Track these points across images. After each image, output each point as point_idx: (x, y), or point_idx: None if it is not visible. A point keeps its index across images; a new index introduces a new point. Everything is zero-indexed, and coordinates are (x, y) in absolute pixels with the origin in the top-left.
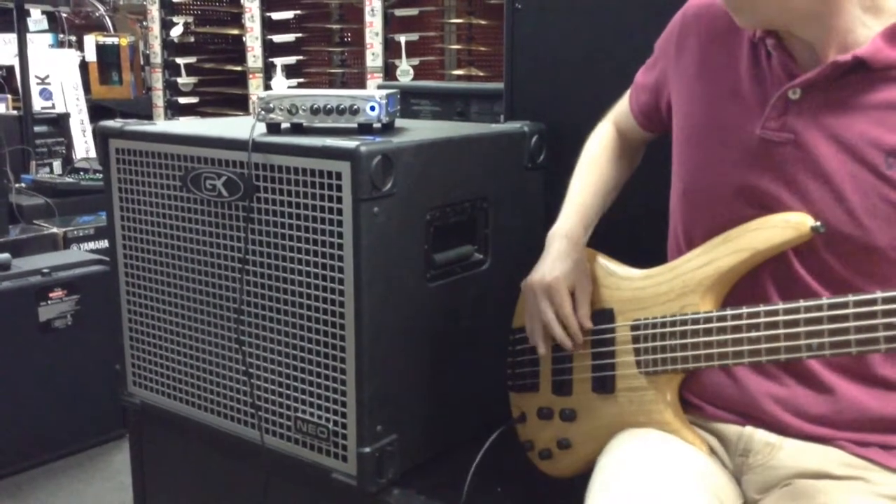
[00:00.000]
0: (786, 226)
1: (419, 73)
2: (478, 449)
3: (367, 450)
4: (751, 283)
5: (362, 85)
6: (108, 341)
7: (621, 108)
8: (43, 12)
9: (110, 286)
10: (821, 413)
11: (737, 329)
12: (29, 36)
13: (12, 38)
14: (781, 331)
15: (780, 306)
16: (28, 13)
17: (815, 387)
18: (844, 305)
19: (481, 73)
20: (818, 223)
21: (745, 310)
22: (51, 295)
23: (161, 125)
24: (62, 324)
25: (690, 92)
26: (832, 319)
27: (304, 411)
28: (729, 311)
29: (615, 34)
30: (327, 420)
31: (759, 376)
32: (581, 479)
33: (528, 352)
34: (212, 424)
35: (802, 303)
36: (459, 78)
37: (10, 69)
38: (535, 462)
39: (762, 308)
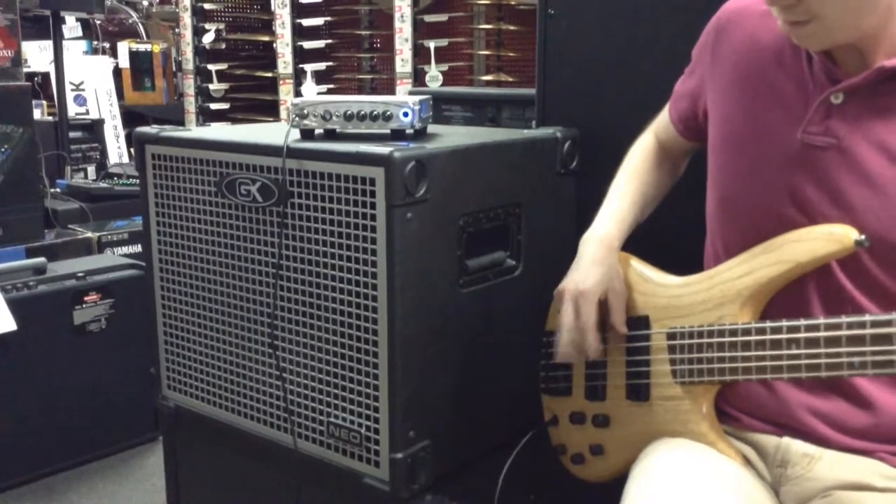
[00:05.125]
0: (829, 238)
1: (448, 78)
2: (510, 454)
3: (400, 455)
4: (793, 292)
5: (391, 90)
6: (141, 345)
7: (662, 118)
8: (77, 19)
9: (144, 290)
10: (861, 426)
11: (776, 344)
12: (64, 43)
13: (48, 45)
14: (822, 349)
15: (822, 321)
16: (63, 20)
17: (855, 400)
18: (889, 324)
19: (510, 79)
20: (862, 237)
21: (784, 323)
22: (86, 299)
23: (196, 131)
24: (96, 327)
25: (727, 97)
26: (876, 338)
27: (336, 416)
28: (768, 325)
29: (648, 39)
30: (360, 425)
31: (798, 388)
32: (614, 485)
33: None
34: (245, 428)
35: (845, 318)
36: (488, 83)
37: (46, 76)
38: (568, 466)
39: (802, 322)
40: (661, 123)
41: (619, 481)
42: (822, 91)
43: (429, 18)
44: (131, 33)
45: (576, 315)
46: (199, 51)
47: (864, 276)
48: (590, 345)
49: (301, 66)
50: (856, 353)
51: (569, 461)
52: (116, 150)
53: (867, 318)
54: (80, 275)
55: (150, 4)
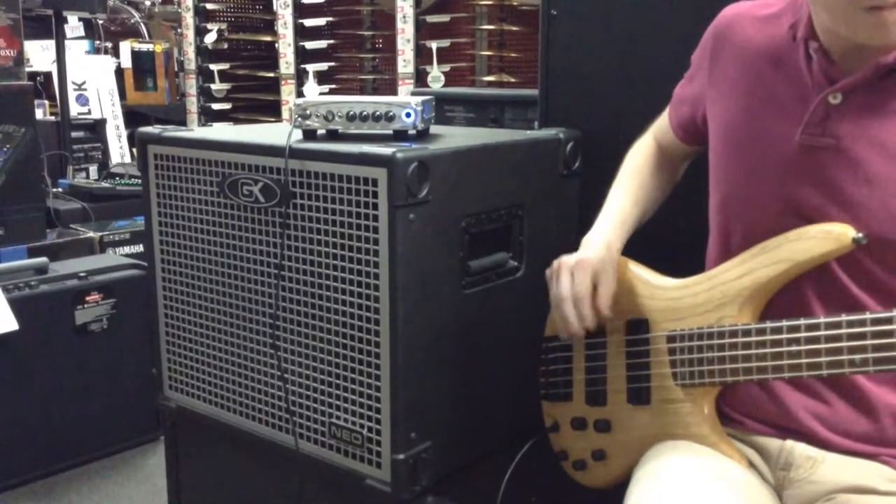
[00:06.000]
0: (826, 237)
1: (450, 78)
2: (511, 457)
3: (402, 456)
4: (793, 293)
5: (393, 91)
6: (142, 345)
7: (661, 122)
8: (80, 19)
9: (146, 290)
10: (862, 430)
11: (776, 343)
12: (66, 42)
13: (50, 44)
14: (823, 346)
15: (822, 320)
16: (65, 20)
17: (856, 402)
18: (889, 321)
19: (512, 80)
20: (860, 234)
21: (784, 323)
22: (87, 298)
23: (199, 131)
24: (98, 327)
25: (727, 100)
26: (876, 335)
27: (338, 417)
28: (768, 325)
29: (651, 41)
30: (362, 426)
31: (798, 391)
32: (616, 490)
33: (561, 360)
34: (247, 429)
35: (845, 317)
36: (490, 84)
37: (48, 75)
38: (570, 472)
39: (802, 322)
40: (661, 127)
41: (622, 487)
42: (820, 92)
43: (431, 19)
44: (133, 33)
45: (571, 284)
46: (201, 51)
47: (863, 274)
48: (586, 314)
49: (303, 66)
50: (857, 350)
51: (571, 467)
52: (118, 149)
53: (867, 315)
54: (81, 275)
55: (153, 4)
